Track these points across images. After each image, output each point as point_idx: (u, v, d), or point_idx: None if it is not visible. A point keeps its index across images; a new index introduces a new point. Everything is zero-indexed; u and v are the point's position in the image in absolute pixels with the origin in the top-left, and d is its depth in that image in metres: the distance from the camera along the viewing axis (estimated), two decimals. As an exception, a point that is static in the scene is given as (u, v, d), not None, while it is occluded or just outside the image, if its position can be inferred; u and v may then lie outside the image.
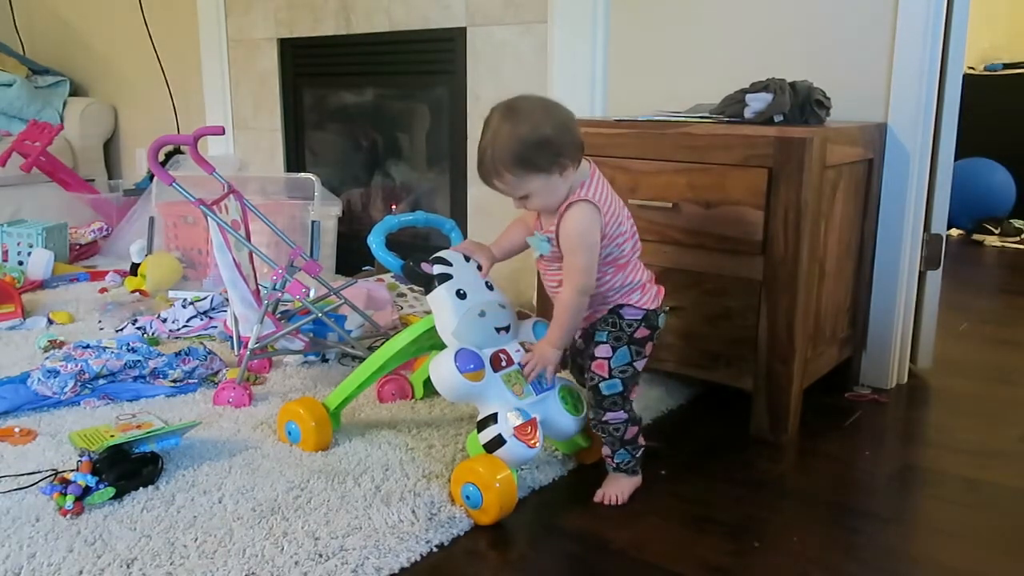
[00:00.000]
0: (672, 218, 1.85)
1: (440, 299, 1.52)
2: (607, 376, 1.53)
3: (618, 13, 2.42)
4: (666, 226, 1.86)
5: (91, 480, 1.48)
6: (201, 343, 2.23)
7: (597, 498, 1.55)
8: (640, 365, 1.55)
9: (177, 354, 2.09)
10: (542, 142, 1.41)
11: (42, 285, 2.98)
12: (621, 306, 1.52)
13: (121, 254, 3.31)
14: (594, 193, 1.47)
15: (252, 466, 1.63)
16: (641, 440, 1.58)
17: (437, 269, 1.53)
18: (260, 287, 2.13)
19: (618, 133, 1.91)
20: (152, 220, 3.19)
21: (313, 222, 2.83)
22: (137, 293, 2.84)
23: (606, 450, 1.57)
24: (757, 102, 1.85)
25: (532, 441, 1.46)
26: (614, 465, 1.57)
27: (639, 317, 1.53)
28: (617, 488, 1.56)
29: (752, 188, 1.74)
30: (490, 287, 1.58)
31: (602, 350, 1.53)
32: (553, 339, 1.52)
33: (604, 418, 1.54)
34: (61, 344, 2.25)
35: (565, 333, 1.52)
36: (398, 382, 1.97)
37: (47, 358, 2.08)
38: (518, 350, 1.55)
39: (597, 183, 1.48)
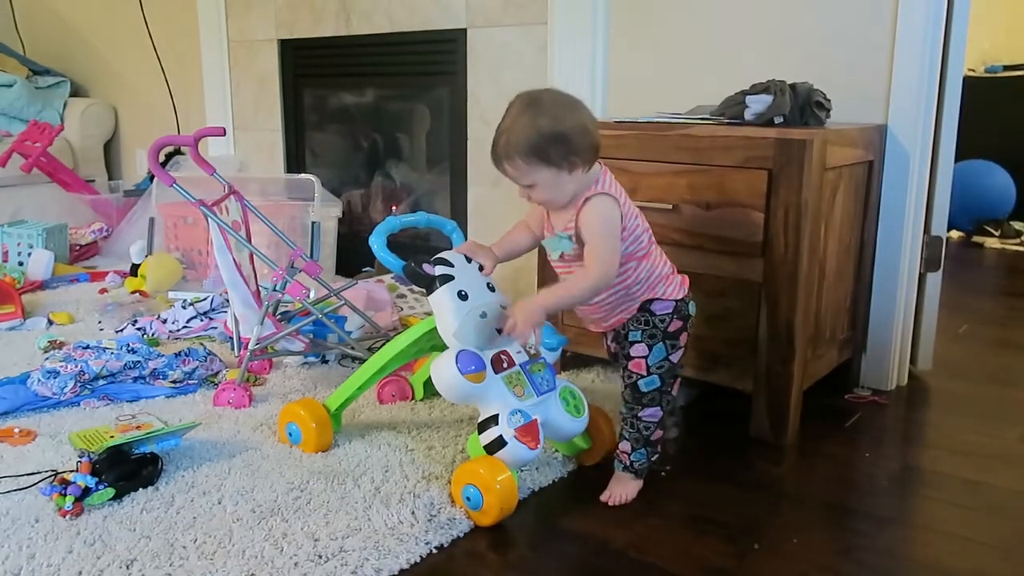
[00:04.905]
0: (672, 219, 1.85)
1: (441, 300, 1.52)
2: (645, 374, 1.54)
3: (618, 14, 2.42)
4: (666, 227, 1.86)
5: (91, 481, 1.48)
6: (201, 344, 2.23)
7: (604, 498, 1.55)
8: (676, 358, 1.56)
9: (177, 355, 2.09)
10: (558, 137, 1.42)
11: (42, 286, 2.98)
12: (650, 301, 1.54)
13: (121, 255, 3.31)
14: (610, 188, 1.49)
15: (252, 467, 1.63)
16: (659, 447, 1.59)
17: (439, 270, 1.53)
18: (260, 288, 2.13)
19: (618, 134, 1.91)
20: (152, 221, 3.19)
21: (313, 223, 2.83)
22: (137, 294, 2.84)
23: (625, 446, 1.57)
24: (757, 104, 1.85)
25: (533, 443, 1.46)
26: (627, 463, 1.57)
27: (670, 310, 1.54)
28: (624, 489, 1.56)
29: (752, 189, 1.74)
30: (492, 288, 1.58)
31: (638, 349, 1.54)
32: (547, 300, 1.50)
33: (640, 414, 1.55)
34: (61, 345, 2.25)
35: (560, 302, 1.53)
36: (398, 383, 1.97)
37: (47, 359, 2.08)
38: (519, 351, 1.55)
39: (611, 181, 1.51)
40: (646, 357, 1.54)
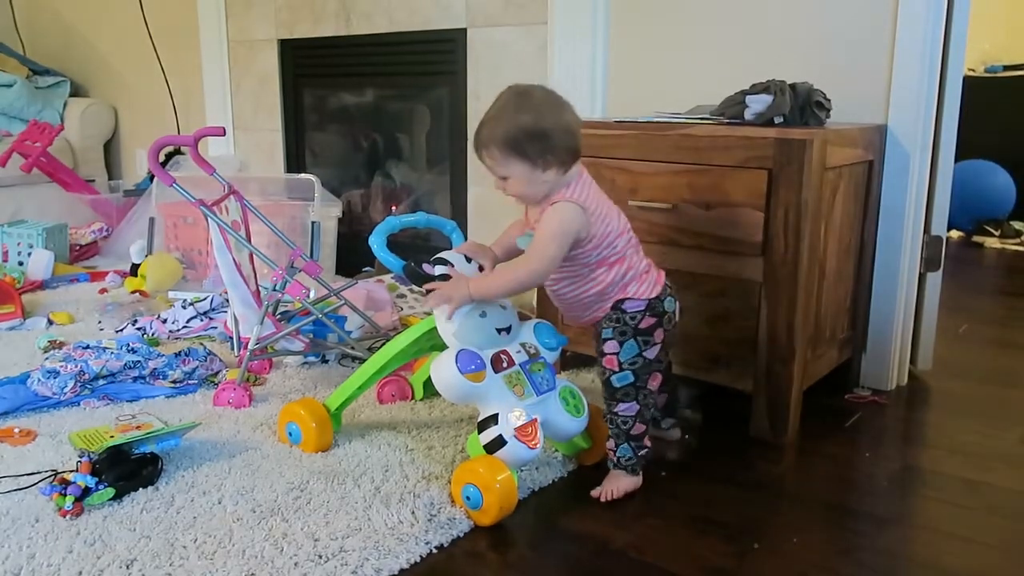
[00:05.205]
0: (672, 219, 1.85)
1: (440, 300, 1.52)
2: (617, 369, 1.55)
3: (618, 14, 2.42)
4: (666, 227, 1.86)
5: (91, 481, 1.48)
6: (201, 344, 2.23)
7: (594, 494, 1.55)
8: (652, 353, 1.56)
9: (177, 355, 2.09)
10: (538, 134, 1.44)
11: (42, 285, 2.98)
12: (622, 300, 1.55)
13: (121, 255, 3.31)
14: (579, 195, 1.49)
15: (252, 467, 1.63)
16: (647, 441, 1.58)
17: (438, 270, 1.54)
18: (260, 288, 2.13)
19: (618, 134, 1.91)
20: (152, 221, 3.19)
21: (313, 223, 2.83)
22: (137, 294, 2.84)
23: (610, 443, 1.58)
24: (757, 103, 1.85)
25: (533, 442, 1.46)
26: (615, 460, 1.57)
27: (642, 308, 1.54)
28: (615, 484, 1.56)
29: (752, 189, 1.74)
30: (490, 288, 1.58)
31: (610, 346, 1.55)
32: (477, 287, 1.51)
33: (615, 409, 1.56)
34: (61, 345, 2.25)
35: (490, 292, 1.51)
36: (398, 383, 1.97)
37: (47, 358, 2.08)
38: (519, 351, 1.55)
39: (583, 186, 1.51)
40: (617, 354, 1.55)
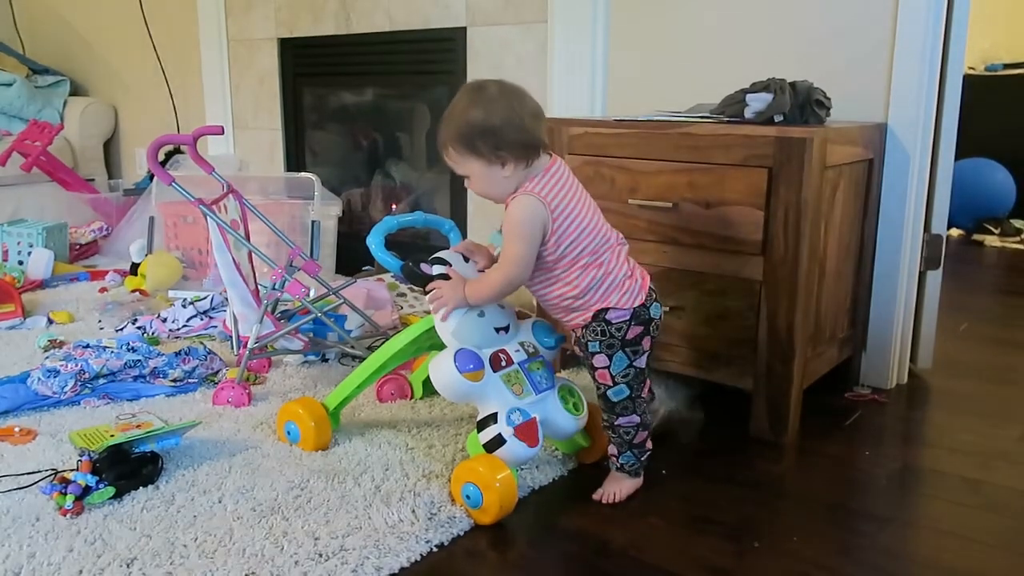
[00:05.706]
0: (672, 218, 1.85)
1: (440, 299, 1.52)
2: (612, 384, 1.52)
3: (618, 13, 2.42)
4: (666, 226, 1.86)
5: (91, 480, 1.48)
6: (201, 343, 2.23)
7: (596, 496, 1.55)
8: (641, 362, 1.53)
9: (177, 354, 2.09)
10: (486, 131, 1.41)
11: (42, 285, 2.98)
12: (605, 310, 1.49)
13: (121, 254, 3.31)
14: (540, 188, 1.44)
15: (252, 466, 1.63)
16: (648, 444, 1.58)
17: (436, 269, 1.54)
18: (259, 287, 2.13)
19: (618, 133, 1.91)
20: (152, 220, 3.19)
21: (313, 222, 2.83)
22: (137, 293, 2.84)
23: (612, 450, 1.57)
24: (757, 102, 1.85)
25: (532, 441, 1.46)
26: (618, 465, 1.57)
27: (627, 318, 1.49)
28: (617, 487, 1.56)
29: (752, 188, 1.74)
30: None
31: (599, 360, 1.52)
32: (471, 291, 1.49)
33: (617, 422, 1.54)
34: (61, 344, 2.25)
35: (480, 298, 1.49)
36: (397, 382, 1.97)
37: (47, 358, 2.08)
38: (517, 350, 1.55)
39: (549, 179, 1.46)
40: (608, 367, 1.51)
